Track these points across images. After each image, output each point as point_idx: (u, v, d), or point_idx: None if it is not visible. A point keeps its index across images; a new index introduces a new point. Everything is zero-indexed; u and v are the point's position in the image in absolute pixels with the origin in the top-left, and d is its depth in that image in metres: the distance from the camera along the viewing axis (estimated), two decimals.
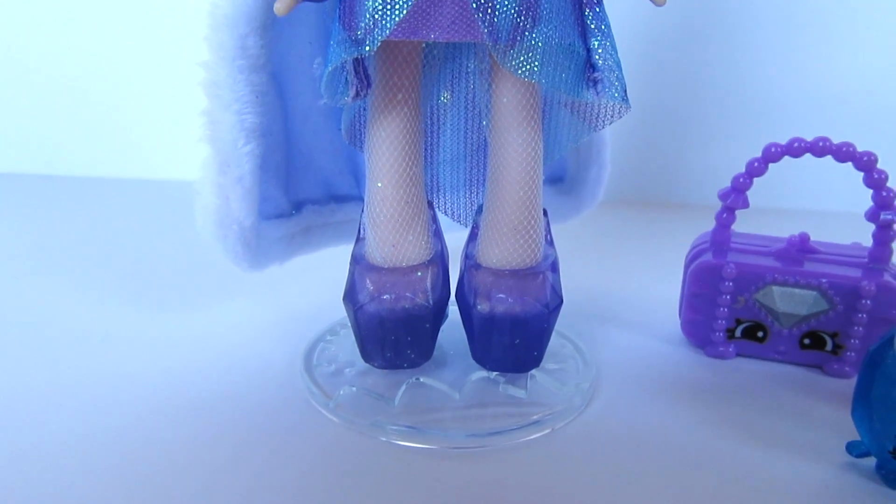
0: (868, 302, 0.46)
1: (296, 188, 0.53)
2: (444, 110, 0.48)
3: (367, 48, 0.36)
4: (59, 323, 0.56)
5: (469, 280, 0.45)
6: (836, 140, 0.47)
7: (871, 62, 0.85)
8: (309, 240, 0.53)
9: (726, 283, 0.49)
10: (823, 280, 0.47)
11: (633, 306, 0.60)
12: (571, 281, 0.50)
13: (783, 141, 0.47)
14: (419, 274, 0.44)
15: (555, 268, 0.45)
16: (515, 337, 0.44)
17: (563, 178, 0.58)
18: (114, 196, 0.93)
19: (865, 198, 0.48)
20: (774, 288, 0.48)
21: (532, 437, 0.42)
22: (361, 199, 0.56)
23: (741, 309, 0.49)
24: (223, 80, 0.42)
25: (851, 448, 0.40)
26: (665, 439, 0.42)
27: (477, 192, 0.52)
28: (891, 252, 0.48)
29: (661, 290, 0.61)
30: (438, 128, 0.49)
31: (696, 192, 0.91)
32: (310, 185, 0.54)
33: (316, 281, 0.59)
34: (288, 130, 0.50)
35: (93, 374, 0.49)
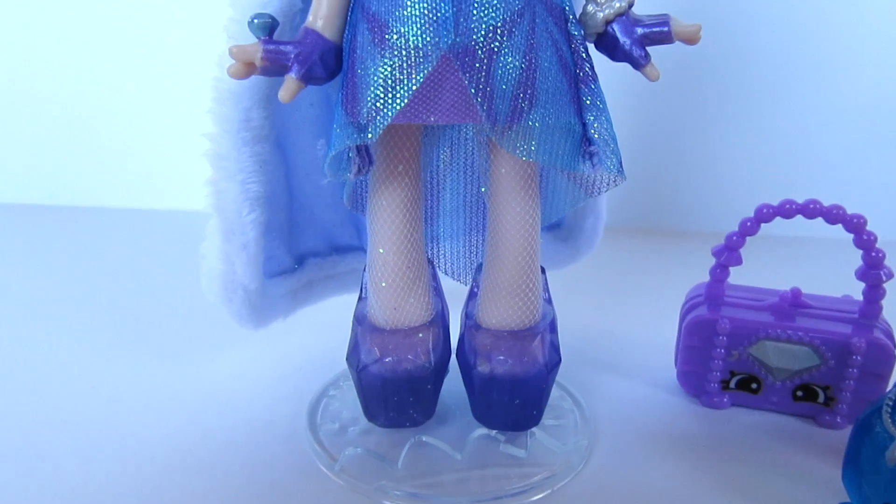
0: (859, 358, 0.47)
1: (298, 243, 0.53)
2: (444, 172, 0.49)
3: (370, 136, 0.37)
4: (55, 366, 0.56)
5: (469, 340, 0.45)
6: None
7: (874, 98, 0.85)
8: (312, 293, 0.54)
9: (720, 338, 0.50)
10: (815, 336, 0.48)
11: (631, 351, 0.61)
12: (569, 322, 0.50)
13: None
14: (420, 335, 0.45)
15: (553, 327, 0.46)
16: (515, 397, 0.45)
17: (560, 225, 0.59)
18: (116, 227, 0.94)
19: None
20: (768, 343, 0.49)
21: (533, 499, 0.43)
22: (363, 250, 0.56)
23: (735, 362, 0.51)
24: (227, 152, 0.43)
25: None
26: (661, 496, 0.43)
27: (476, 244, 0.52)
28: (880, 309, 0.49)
29: (659, 331, 0.61)
30: (438, 190, 0.50)
31: (693, 220, 0.92)
32: (311, 238, 0.55)
33: (319, 330, 0.60)
34: (290, 189, 0.51)
35: (86, 424, 0.49)
